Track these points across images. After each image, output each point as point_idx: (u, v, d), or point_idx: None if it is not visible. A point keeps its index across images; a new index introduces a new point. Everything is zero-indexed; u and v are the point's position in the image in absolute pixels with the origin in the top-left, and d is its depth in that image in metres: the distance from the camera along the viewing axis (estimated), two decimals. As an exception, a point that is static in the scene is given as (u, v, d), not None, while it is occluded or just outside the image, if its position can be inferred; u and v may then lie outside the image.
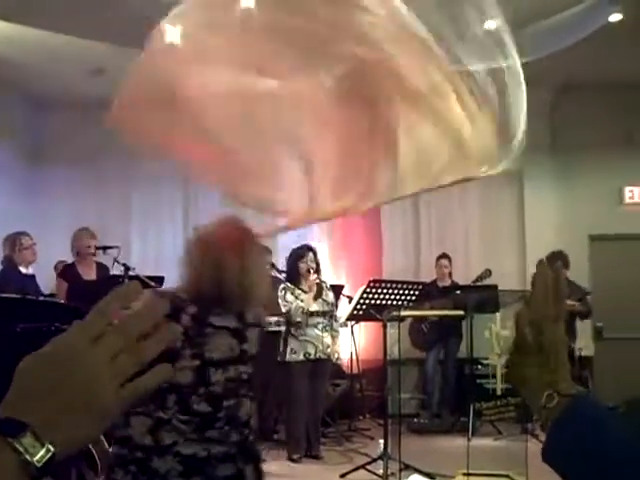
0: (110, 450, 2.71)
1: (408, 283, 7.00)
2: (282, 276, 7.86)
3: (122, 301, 0.91)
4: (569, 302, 8.71)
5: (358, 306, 6.93)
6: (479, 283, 8.99)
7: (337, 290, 8.44)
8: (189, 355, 2.55)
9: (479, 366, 8.23)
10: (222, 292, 2.65)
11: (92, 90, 10.05)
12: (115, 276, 7.21)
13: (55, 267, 8.86)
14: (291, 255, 7.69)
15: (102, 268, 7.54)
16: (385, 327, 6.58)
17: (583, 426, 1.16)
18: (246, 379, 2.67)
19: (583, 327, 9.97)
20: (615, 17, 7.79)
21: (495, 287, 8.50)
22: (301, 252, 7.59)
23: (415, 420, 9.01)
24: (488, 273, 9.01)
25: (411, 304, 6.88)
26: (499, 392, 5.97)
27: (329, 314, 7.49)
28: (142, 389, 0.90)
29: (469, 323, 8.30)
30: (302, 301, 7.32)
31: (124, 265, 7.24)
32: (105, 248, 7.41)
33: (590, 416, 1.17)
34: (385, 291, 6.80)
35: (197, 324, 2.60)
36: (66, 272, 7.48)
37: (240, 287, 2.67)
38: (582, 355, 8.90)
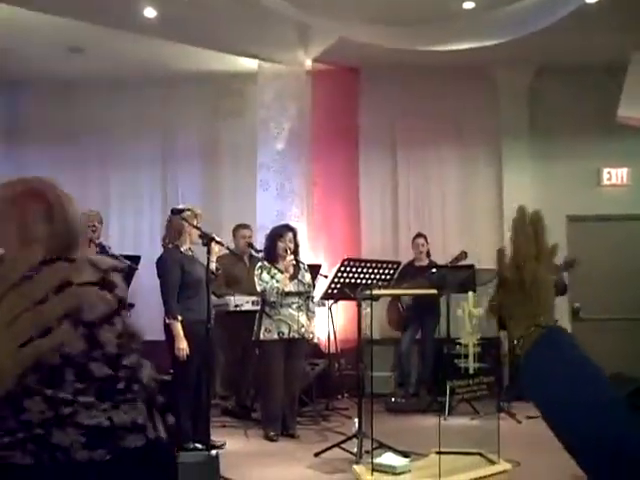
0: None
1: (383, 262, 7.02)
2: (259, 255, 7.86)
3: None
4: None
5: (333, 285, 6.94)
6: (455, 265, 9.01)
7: (314, 270, 8.46)
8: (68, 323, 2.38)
9: (457, 346, 8.26)
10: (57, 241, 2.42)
11: (69, 70, 10.03)
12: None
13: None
14: (270, 234, 7.67)
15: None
16: (359, 306, 6.60)
17: (556, 350, 1.21)
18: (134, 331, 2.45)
19: (560, 307, 10.04)
20: (591, -2, 7.81)
21: (472, 267, 8.54)
22: (281, 231, 7.57)
23: (392, 399, 9.06)
24: (464, 255, 9.02)
25: (385, 283, 6.91)
26: (472, 371, 5.99)
27: (305, 295, 7.50)
28: (41, 350, 0.90)
29: (446, 303, 8.33)
30: (278, 281, 7.32)
31: (99, 245, 7.23)
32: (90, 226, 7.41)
33: (563, 342, 1.20)
34: (360, 270, 6.82)
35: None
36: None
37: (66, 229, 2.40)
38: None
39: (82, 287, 2.38)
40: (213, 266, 6.74)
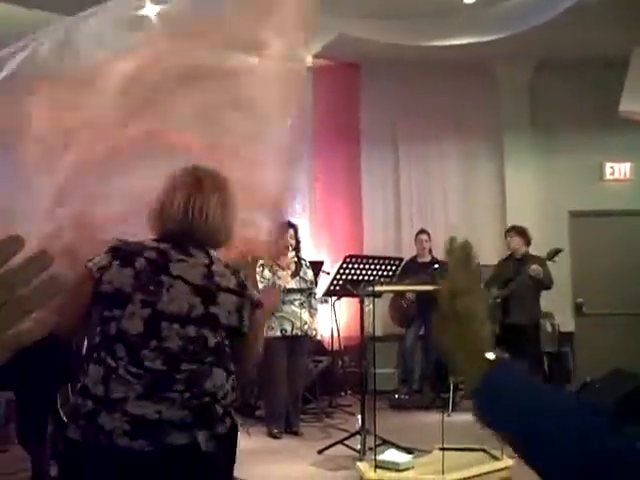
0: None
1: (384, 259, 7.00)
2: (262, 253, 7.84)
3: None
4: (533, 267, 8.75)
5: (335, 282, 6.92)
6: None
7: (317, 266, 8.44)
8: (139, 301, 2.42)
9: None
10: (190, 227, 2.54)
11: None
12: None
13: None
14: None
15: None
16: (362, 303, 6.58)
17: (510, 377, 1.23)
18: (214, 347, 2.50)
19: (563, 303, 10.03)
20: (592, -8, 7.77)
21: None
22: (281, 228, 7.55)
23: (396, 396, 9.04)
24: (468, 249, 9.01)
25: (388, 280, 6.89)
26: (474, 366, 5.96)
27: (307, 292, 7.48)
28: (24, 337, 0.88)
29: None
30: (279, 278, 7.30)
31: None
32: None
33: (499, 385, 1.22)
34: (362, 266, 6.80)
35: (153, 270, 2.47)
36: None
37: (207, 224, 2.55)
38: (563, 331, 8.93)
39: (174, 278, 2.49)
40: None
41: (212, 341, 2.50)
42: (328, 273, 8.37)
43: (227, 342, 2.56)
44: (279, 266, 7.36)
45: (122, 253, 2.48)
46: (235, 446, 2.67)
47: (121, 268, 2.45)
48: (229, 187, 2.64)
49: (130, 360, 2.39)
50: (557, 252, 8.75)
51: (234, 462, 2.69)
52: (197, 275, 2.52)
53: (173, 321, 2.43)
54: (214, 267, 2.57)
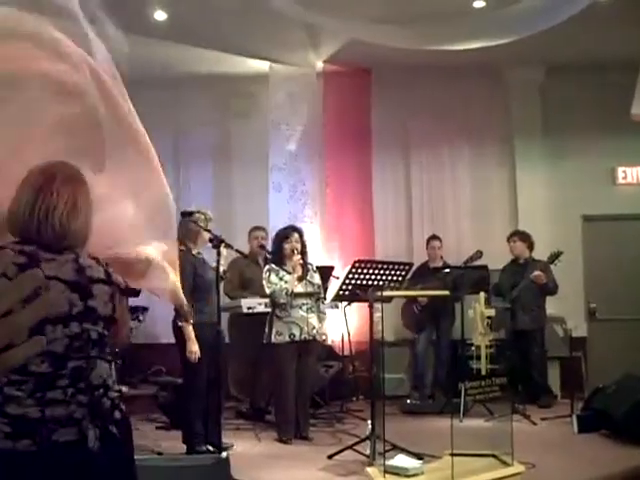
0: None
1: (394, 263, 6.98)
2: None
3: None
4: (535, 273, 8.74)
5: (344, 287, 6.91)
6: (470, 264, 8.98)
7: (327, 271, 8.44)
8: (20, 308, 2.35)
9: (472, 347, 8.22)
10: (67, 234, 2.50)
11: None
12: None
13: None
14: (276, 236, 7.68)
15: None
16: (371, 307, 6.56)
17: None
18: (97, 339, 2.47)
19: (576, 308, 9.98)
20: (603, -5, 7.75)
21: (485, 267, 8.48)
22: (286, 233, 7.57)
23: (408, 401, 9.02)
24: (479, 254, 9.00)
25: (397, 284, 6.87)
26: (484, 372, 5.95)
27: (315, 296, 7.47)
28: (11, 361, 0.88)
29: (461, 304, 8.27)
30: (286, 282, 7.31)
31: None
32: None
33: None
34: (371, 271, 6.79)
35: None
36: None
37: (83, 229, 2.53)
38: (575, 336, 8.88)
39: (49, 279, 2.39)
40: (222, 269, 6.78)
41: (94, 334, 2.47)
42: (338, 278, 8.36)
43: (106, 332, 2.54)
44: (286, 271, 7.37)
45: None
46: (128, 439, 2.62)
47: None
48: (83, 184, 2.58)
49: (15, 370, 2.27)
50: (558, 255, 8.73)
51: (129, 455, 2.62)
52: (69, 271, 2.46)
53: (57, 322, 2.39)
54: (81, 260, 2.52)
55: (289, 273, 7.35)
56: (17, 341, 0.88)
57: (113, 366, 2.57)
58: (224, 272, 6.91)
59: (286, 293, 7.26)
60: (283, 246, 7.43)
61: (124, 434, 2.53)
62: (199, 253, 6.80)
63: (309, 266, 7.57)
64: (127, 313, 2.76)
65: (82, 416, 2.36)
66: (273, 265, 7.45)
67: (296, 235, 7.48)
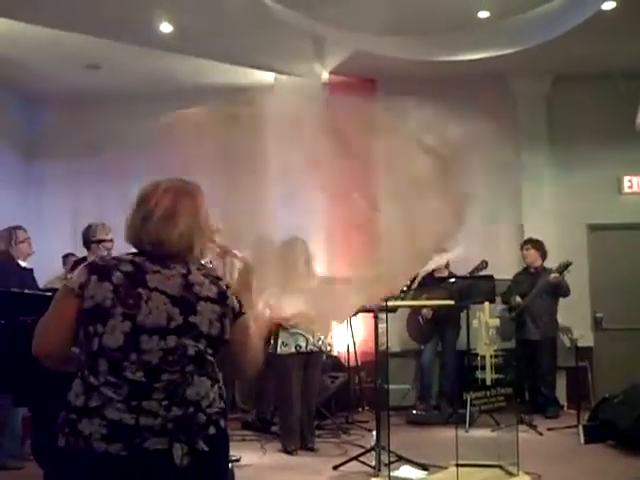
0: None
1: (399, 274, 6.96)
2: (277, 268, 7.89)
3: None
4: (554, 274, 8.77)
5: (348, 297, 6.89)
6: (476, 274, 8.99)
7: (329, 282, 8.42)
8: (119, 314, 2.42)
9: (478, 357, 8.21)
10: (163, 242, 2.56)
11: (87, 85, 10.10)
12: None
13: (65, 259, 8.86)
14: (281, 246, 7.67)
15: None
16: (376, 318, 6.56)
17: None
18: (194, 355, 2.48)
19: (582, 317, 9.96)
20: (608, 5, 7.75)
21: (491, 277, 8.47)
22: (292, 244, 7.57)
23: (413, 412, 9.00)
24: (484, 265, 9.02)
25: (402, 294, 6.86)
26: (489, 382, 5.94)
27: (321, 307, 7.47)
28: None
29: (467, 314, 8.26)
30: (291, 292, 7.31)
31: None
32: (100, 242, 7.38)
33: None
34: (376, 282, 6.77)
35: (130, 283, 2.47)
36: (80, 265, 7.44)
37: (181, 238, 2.58)
38: (581, 345, 8.86)
39: (151, 290, 2.49)
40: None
41: (192, 350, 2.49)
42: (343, 288, 8.36)
43: (210, 351, 2.54)
44: (292, 281, 7.37)
45: (98, 268, 2.51)
46: (223, 455, 2.65)
47: (99, 282, 2.46)
48: (199, 196, 2.68)
49: (111, 372, 2.40)
50: (567, 265, 8.76)
51: (219, 470, 2.65)
52: (174, 286, 2.52)
53: (153, 333, 2.44)
54: (191, 277, 2.57)
55: None
56: None
57: (217, 385, 2.57)
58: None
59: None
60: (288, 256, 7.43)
61: (216, 449, 2.54)
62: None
63: (315, 277, 7.56)
64: (250, 337, 2.73)
65: (172, 428, 2.40)
66: None
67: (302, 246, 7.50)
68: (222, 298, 2.60)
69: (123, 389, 2.40)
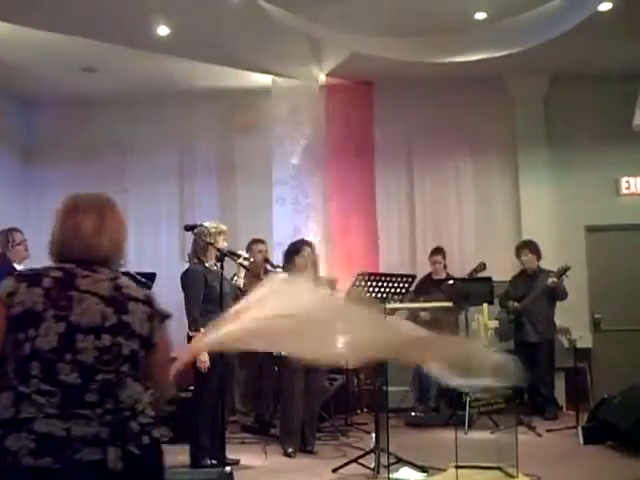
0: None
1: (397, 276, 6.97)
2: (277, 271, 7.93)
3: None
4: (552, 279, 8.77)
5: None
6: (474, 276, 9.00)
7: (331, 284, 8.43)
8: (52, 317, 2.45)
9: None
10: (92, 250, 2.65)
11: (85, 88, 10.09)
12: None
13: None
14: (288, 250, 7.71)
15: None
16: (374, 320, 6.54)
17: None
18: (129, 355, 2.53)
19: (580, 318, 9.95)
20: (605, 6, 7.75)
21: (489, 279, 8.49)
22: (298, 247, 7.61)
23: (412, 414, 8.99)
24: (483, 266, 9.03)
25: (401, 297, 6.87)
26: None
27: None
28: None
29: (465, 316, 8.27)
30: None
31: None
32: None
33: None
34: (374, 284, 6.78)
35: (61, 286, 2.52)
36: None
37: (110, 246, 2.69)
38: (580, 347, 8.87)
39: (82, 292, 2.54)
40: (240, 282, 7.03)
41: (126, 349, 2.53)
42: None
43: (142, 352, 2.59)
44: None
45: (27, 276, 2.57)
46: (157, 467, 2.62)
47: (29, 288, 2.50)
48: (117, 207, 2.80)
49: (44, 377, 2.40)
50: (566, 270, 8.77)
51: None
52: (105, 288, 2.57)
53: (88, 332, 2.47)
54: (120, 280, 2.63)
55: None
56: None
57: (149, 392, 2.60)
58: (243, 284, 7.10)
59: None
60: (295, 260, 7.46)
61: (150, 459, 2.54)
62: (214, 265, 6.81)
63: (320, 280, 7.61)
64: (169, 348, 2.78)
65: (107, 437, 2.39)
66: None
67: (308, 249, 7.53)
68: (150, 300, 2.67)
69: (56, 396, 2.38)
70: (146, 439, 2.50)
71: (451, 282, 8.66)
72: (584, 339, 9.46)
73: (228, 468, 5.11)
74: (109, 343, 2.50)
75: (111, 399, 2.45)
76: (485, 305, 6.19)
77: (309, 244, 7.69)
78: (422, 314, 9.21)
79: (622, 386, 7.74)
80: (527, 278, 9.20)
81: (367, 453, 6.50)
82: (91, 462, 2.35)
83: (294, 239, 8.50)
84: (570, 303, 9.24)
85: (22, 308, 2.47)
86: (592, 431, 7.45)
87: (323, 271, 9.15)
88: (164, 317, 2.71)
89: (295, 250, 7.58)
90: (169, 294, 6.97)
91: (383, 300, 6.64)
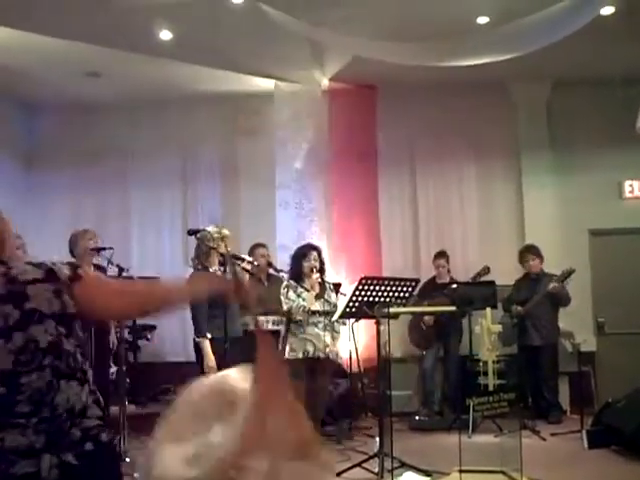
0: None
1: (400, 280, 6.96)
2: (280, 274, 7.97)
3: None
4: (553, 284, 8.75)
5: (350, 304, 6.90)
6: (478, 280, 8.99)
7: (335, 288, 8.43)
8: None
9: (480, 363, 8.20)
10: None
11: (88, 93, 10.10)
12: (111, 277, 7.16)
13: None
14: (295, 254, 7.78)
15: (99, 269, 7.47)
16: (378, 324, 6.55)
17: None
18: (47, 348, 2.32)
19: (584, 322, 9.94)
20: (607, 10, 7.74)
21: (493, 283, 8.48)
22: (305, 251, 7.67)
23: (416, 418, 8.98)
24: (487, 270, 9.03)
25: (404, 301, 6.86)
26: (491, 388, 5.93)
27: (331, 315, 7.48)
28: None
29: (469, 320, 8.26)
30: (304, 299, 7.36)
31: (118, 266, 7.23)
32: (99, 249, 7.37)
33: None
34: (377, 288, 6.77)
35: None
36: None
37: None
38: (583, 350, 8.85)
39: None
40: None
41: (43, 340, 2.33)
42: (345, 295, 8.36)
43: (63, 331, 2.38)
44: (304, 288, 7.42)
45: None
46: (107, 473, 2.45)
47: None
48: None
49: None
50: (570, 273, 8.75)
51: None
52: None
53: None
54: (13, 270, 2.42)
55: (307, 290, 7.43)
56: None
57: (87, 387, 2.40)
58: None
59: (303, 310, 7.33)
60: (302, 264, 7.50)
61: (96, 467, 2.34)
62: (218, 270, 6.80)
63: (327, 284, 7.64)
64: (105, 281, 2.63)
65: (41, 446, 2.23)
66: (292, 282, 7.53)
67: (315, 253, 7.61)
68: (50, 276, 2.43)
69: None
70: (89, 445, 2.32)
71: (455, 286, 8.65)
72: (588, 343, 9.44)
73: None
74: (22, 341, 2.30)
75: (46, 407, 2.27)
76: (488, 309, 6.17)
77: (316, 248, 7.76)
78: (426, 318, 9.22)
79: (626, 390, 7.72)
80: (530, 282, 9.19)
81: (371, 457, 6.49)
82: (27, 475, 2.20)
83: (298, 243, 8.52)
84: (574, 307, 9.23)
85: None
86: (596, 435, 7.42)
87: (327, 275, 9.16)
88: (73, 278, 2.46)
89: (302, 254, 7.63)
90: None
91: (385, 304, 6.63)
